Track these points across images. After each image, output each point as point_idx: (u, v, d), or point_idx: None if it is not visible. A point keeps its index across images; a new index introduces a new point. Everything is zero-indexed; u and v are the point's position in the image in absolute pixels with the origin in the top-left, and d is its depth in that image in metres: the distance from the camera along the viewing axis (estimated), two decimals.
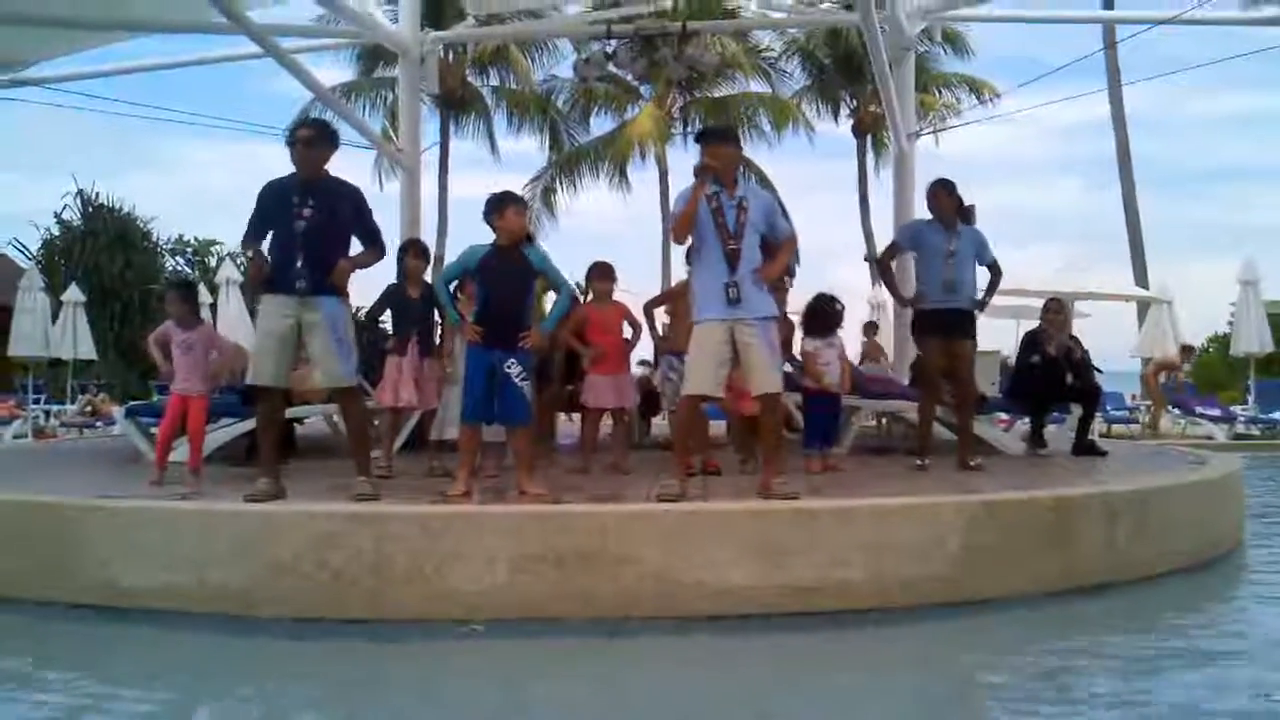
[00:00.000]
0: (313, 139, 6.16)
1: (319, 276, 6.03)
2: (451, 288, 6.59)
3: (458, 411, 6.62)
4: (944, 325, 7.77)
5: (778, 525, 5.45)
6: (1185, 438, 17.16)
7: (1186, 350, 20.30)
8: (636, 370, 10.25)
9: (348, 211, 6.18)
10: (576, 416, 8.77)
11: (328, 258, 6.08)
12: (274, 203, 6.12)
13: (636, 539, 5.29)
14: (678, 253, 6.69)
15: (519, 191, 9.57)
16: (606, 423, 8.02)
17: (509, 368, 6.17)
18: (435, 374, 7.53)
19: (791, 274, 8.04)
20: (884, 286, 9.43)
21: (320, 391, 7.66)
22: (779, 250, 6.37)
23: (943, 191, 7.84)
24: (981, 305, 8.04)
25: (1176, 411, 18.73)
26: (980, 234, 8.06)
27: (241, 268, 22.31)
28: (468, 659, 4.94)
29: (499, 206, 6.29)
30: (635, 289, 10.95)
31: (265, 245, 6.18)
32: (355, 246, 6.27)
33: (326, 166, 6.23)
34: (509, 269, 6.28)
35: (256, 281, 6.10)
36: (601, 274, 7.85)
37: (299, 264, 5.99)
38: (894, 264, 8.61)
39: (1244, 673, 4.67)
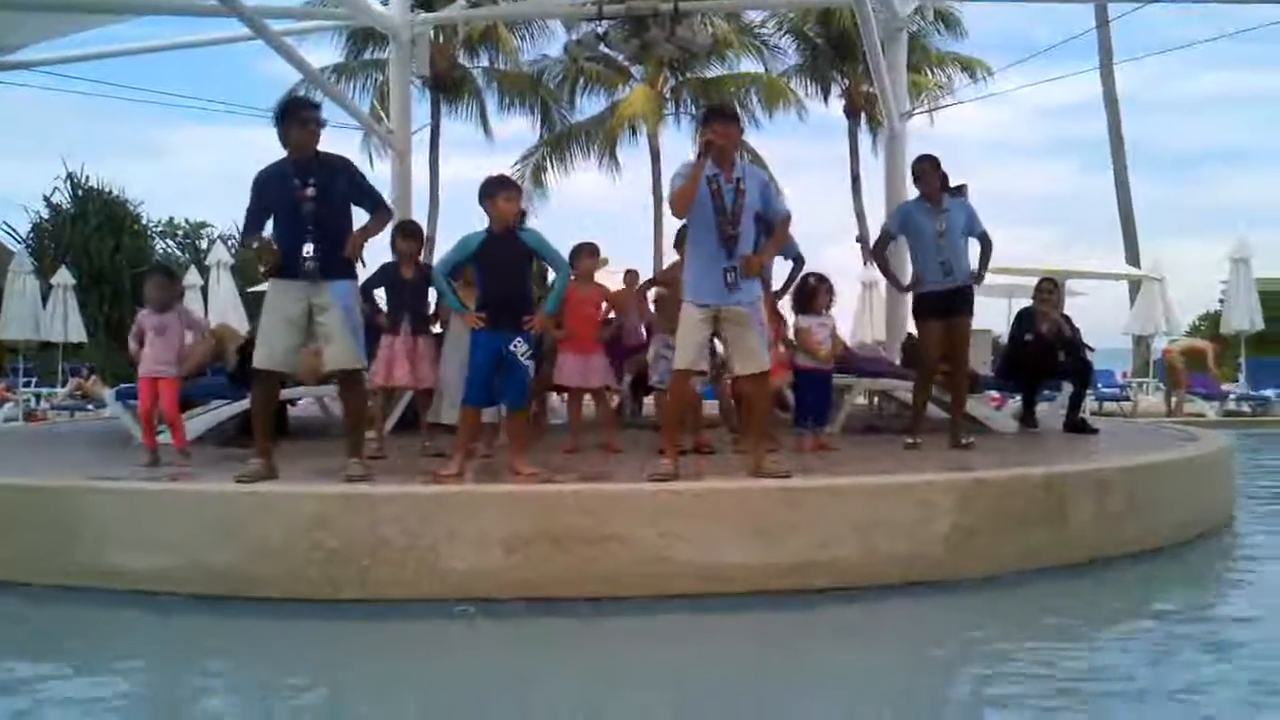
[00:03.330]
0: (322, 121, 6.16)
1: (330, 258, 6.02)
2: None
3: (456, 395, 6.63)
4: (943, 306, 7.76)
5: (769, 504, 5.46)
6: (1170, 416, 17.19)
7: (1218, 340, 20.19)
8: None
9: (344, 185, 6.16)
10: (566, 396, 8.76)
11: (335, 237, 6.06)
12: (274, 189, 6.06)
13: (629, 518, 5.29)
14: (669, 233, 6.69)
15: (508, 171, 9.56)
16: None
17: (515, 347, 6.19)
18: (428, 353, 7.52)
19: (800, 260, 8.01)
20: (878, 271, 9.41)
21: (313, 373, 7.64)
22: (776, 229, 6.37)
23: (930, 166, 7.82)
24: (979, 278, 8.01)
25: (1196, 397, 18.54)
26: (968, 205, 8.03)
27: (234, 251, 22.30)
28: (460, 639, 4.95)
29: (490, 193, 6.30)
30: (624, 268, 10.98)
31: (268, 232, 6.16)
32: (357, 217, 6.26)
33: None
34: (506, 253, 6.29)
35: (272, 271, 6.06)
36: (587, 254, 7.83)
37: (308, 247, 5.95)
38: (888, 251, 8.59)
39: (1236, 645, 4.70)
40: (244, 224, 6.22)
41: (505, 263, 6.31)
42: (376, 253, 7.64)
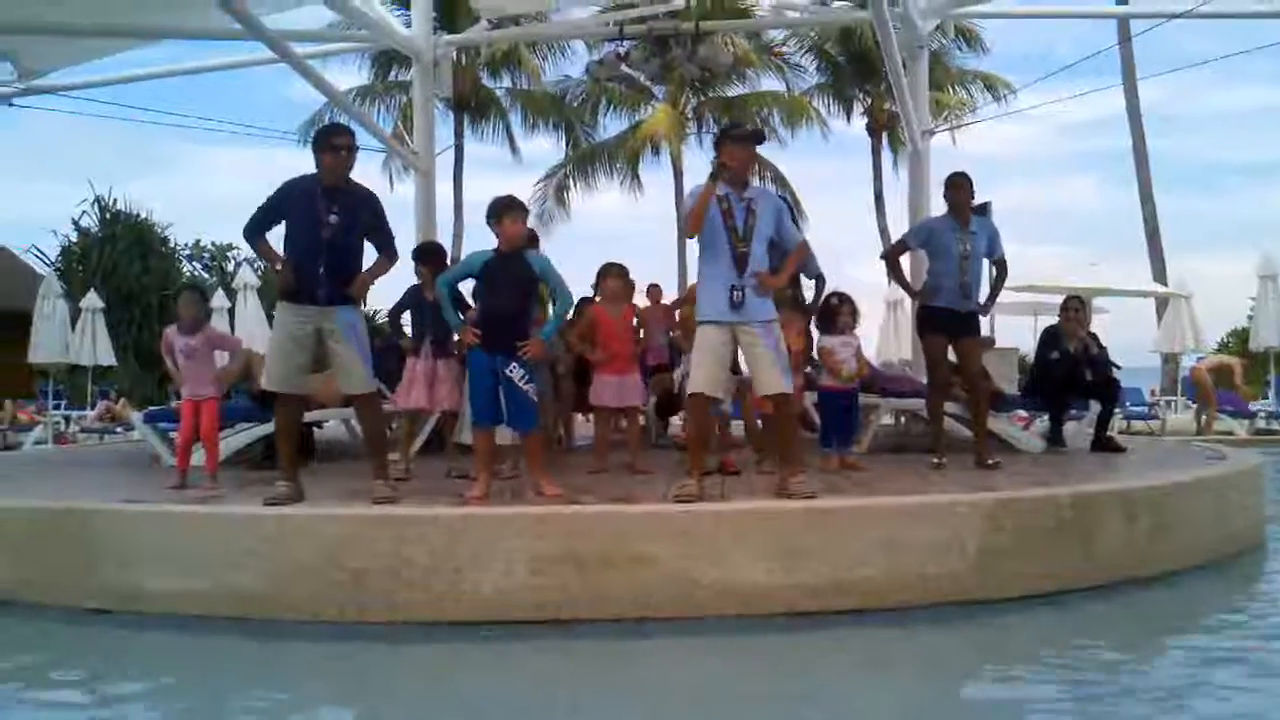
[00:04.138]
0: (353, 146, 6.21)
1: (340, 286, 6.07)
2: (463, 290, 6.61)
3: None
4: (950, 325, 7.74)
5: (794, 525, 5.44)
6: (1202, 434, 17.04)
7: (1245, 357, 19.98)
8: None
9: (367, 218, 6.22)
10: (592, 417, 8.77)
11: (348, 267, 6.14)
12: (297, 205, 6.12)
13: (653, 539, 5.28)
14: (692, 252, 6.71)
15: (530, 191, 9.60)
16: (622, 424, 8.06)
17: (510, 372, 6.18)
18: (449, 376, 7.53)
19: (821, 279, 8.00)
20: (895, 283, 9.35)
21: (337, 396, 7.68)
22: (788, 257, 6.36)
23: (965, 182, 7.79)
24: (985, 309, 8.00)
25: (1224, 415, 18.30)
26: (992, 225, 8.01)
27: (259, 271, 22.43)
28: (485, 661, 4.95)
29: (497, 214, 6.31)
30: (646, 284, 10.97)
31: (281, 248, 6.22)
32: (368, 251, 6.31)
33: None
34: (510, 275, 6.29)
35: (286, 291, 6.12)
36: (613, 274, 7.86)
37: (321, 273, 6.03)
38: (902, 259, 8.55)
39: (1269, 667, 4.64)
40: (251, 218, 6.24)
41: (508, 284, 6.30)
42: (404, 275, 7.72)
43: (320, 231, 6.02)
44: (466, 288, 6.80)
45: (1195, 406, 18.74)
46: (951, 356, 7.89)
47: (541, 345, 6.39)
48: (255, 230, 6.26)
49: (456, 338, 7.67)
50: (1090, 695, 4.33)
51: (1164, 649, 5.09)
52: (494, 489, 6.28)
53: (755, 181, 6.43)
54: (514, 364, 6.19)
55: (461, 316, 6.57)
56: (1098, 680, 4.56)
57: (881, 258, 8.82)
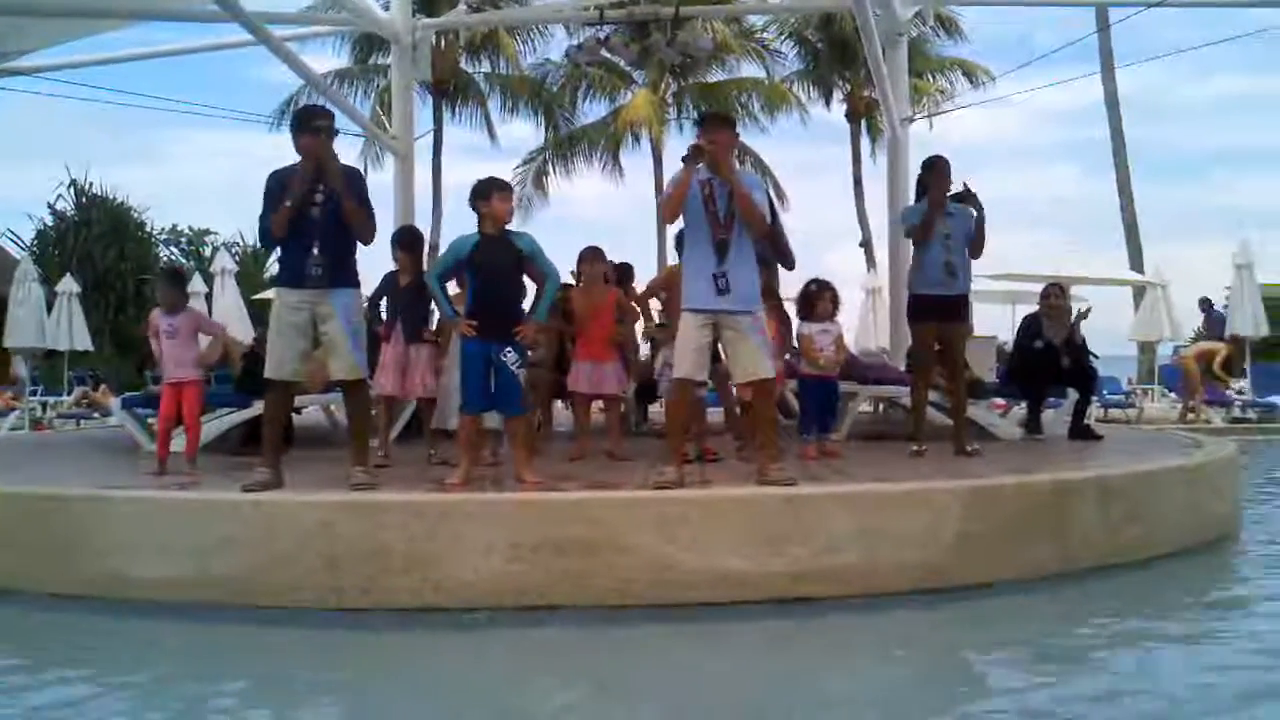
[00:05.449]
0: (332, 128, 6.16)
1: (335, 267, 6.04)
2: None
3: (457, 401, 6.63)
4: (939, 311, 7.76)
5: (774, 511, 5.46)
6: (1183, 422, 17.12)
7: (1235, 341, 19.94)
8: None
9: (352, 195, 6.17)
10: (571, 403, 8.76)
11: (341, 246, 6.10)
12: (285, 193, 6.08)
13: (633, 526, 5.30)
14: (671, 237, 6.69)
15: (509, 176, 9.55)
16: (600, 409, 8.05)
17: (504, 356, 6.17)
18: (421, 362, 7.49)
19: (790, 262, 7.97)
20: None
21: (318, 382, 7.65)
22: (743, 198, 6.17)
23: (945, 166, 7.80)
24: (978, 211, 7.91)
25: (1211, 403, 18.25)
26: (968, 210, 8.03)
27: (236, 256, 22.33)
28: (464, 648, 4.95)
29: (485, 193, 6.28)
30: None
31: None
32: None
33: None
34: (499, 258, 6.27)
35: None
36: (591, 258, 7.83)
37: (315, 254, 5.98)
38: (902, 242, 8.52)
39: (1241, 653, 4.69)
40: (262, 223, 6.17)
41: (498, 267, 6.29)
42: (383, 261, 7.68)
43: (308, 213, 5.98)
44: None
45: (1172, 395, 18.75)
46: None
47: (536, 329, 6.43)
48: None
49: (435, 326, 7.67)
50: (1066, 677, 4.36)
51: (1139, 632, 5.13)
52: (474, 476, 6.27)
53: (737, 166, 6.37)
54: (509, 348, 6.18)
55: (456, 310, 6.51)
56: (1073, 663, 4.59)
57: (863, 245, 8.80)
